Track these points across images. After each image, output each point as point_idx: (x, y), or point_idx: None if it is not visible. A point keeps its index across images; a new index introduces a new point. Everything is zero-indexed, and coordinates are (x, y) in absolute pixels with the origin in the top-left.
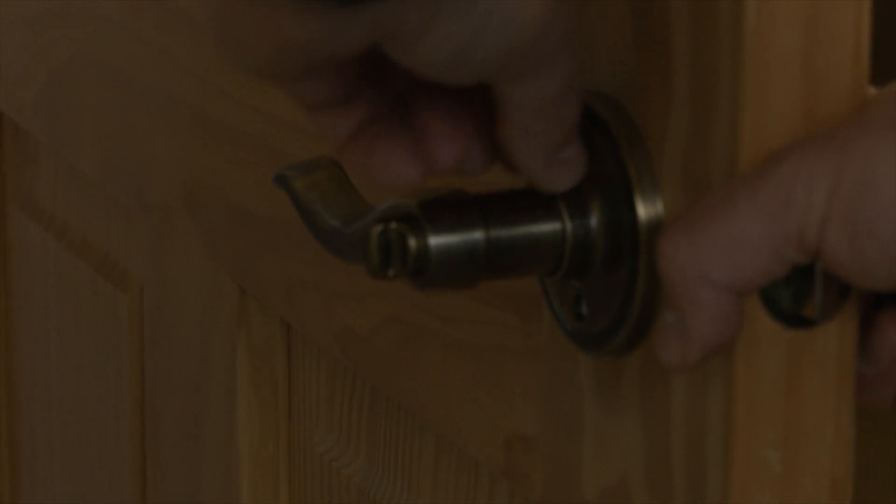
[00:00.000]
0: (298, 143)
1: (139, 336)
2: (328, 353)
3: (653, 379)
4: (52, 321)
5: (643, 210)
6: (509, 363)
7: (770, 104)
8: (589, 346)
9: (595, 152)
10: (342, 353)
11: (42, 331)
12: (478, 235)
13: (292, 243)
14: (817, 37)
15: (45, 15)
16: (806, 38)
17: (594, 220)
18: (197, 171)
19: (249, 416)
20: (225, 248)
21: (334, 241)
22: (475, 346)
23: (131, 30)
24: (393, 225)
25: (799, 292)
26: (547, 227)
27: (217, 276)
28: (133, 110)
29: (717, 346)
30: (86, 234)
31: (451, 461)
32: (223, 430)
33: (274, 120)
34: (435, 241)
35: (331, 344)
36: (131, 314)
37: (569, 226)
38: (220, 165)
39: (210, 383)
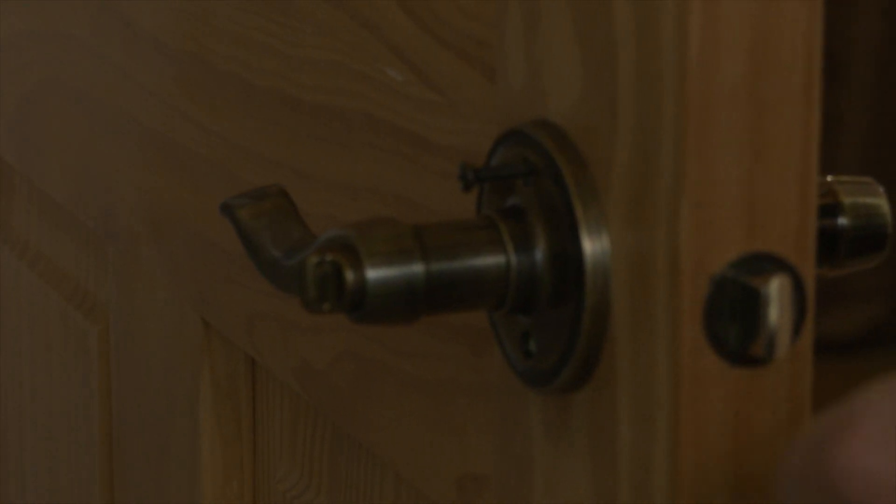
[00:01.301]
0: (258, 171)
1: (107, 368)
2: (291, 387)
3: (600, 417)
4: (24, 351)
5: (589, 243)
6: (461, 399)
7: (715, 135)
8: (537, 383)
9: (539, 183)
10: (301, 388)
11: (15, 361)
12: (417, 268)
13: (252, 274)
14: (764, 65)
15: (18, 37)
16: (751, 67)
17: (539, 254)
18: (161, 199)
19: (213, 453)
20: (188, 278)
21: (274, 272)
22: (428, 382)
23: (99, 53)
24: (329, 257)
25: (746, 328)
26: (490, 260)
27: (181, 307)
28: (100, 135)
29: None
30: (58, 263)
31: (409, 499)
32: (187, 466)
33: (235, 147)
34: (372, 273)
35: (289, 378)
36: (101, 345)
37: (513, 259)
38: (183, 193)
39: (174, 418)
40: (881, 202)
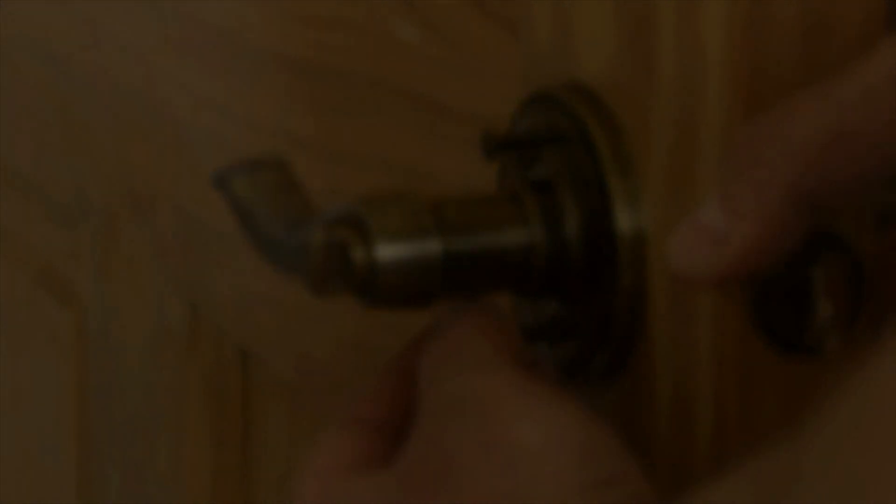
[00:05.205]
0: (252, 140)
1: (83, 361)
2: (289, 381)
3: (636, 409)
4: None
5: (623, 217)
6: None
7: (766, 100)
8: (566, 372)
9: (568, 151)
10: (300, 381)
11: None
12: (433, 246)
13: (246, 254)
14: (818, 18)
15: None
16: (805, 16)
17: (569, 230)
18: (143, 170)
19: (200, 456)
20: (174, 259)
21: (273, 251)
22: None
23: (70, 6)
24: (336, 234)
25: (798, 313)
26: (514, 237)
27: (166, 292)
28: (72, 98)
29: (747, 267)
30: (25, 241)
31: None
32: (172, 471)
33: (227, 113)
34: (384, 252)
35: (287, 371)
36: (75, 335)
37: (540, 236)
38: (168, 164)
39: (158, 417)
40: None
